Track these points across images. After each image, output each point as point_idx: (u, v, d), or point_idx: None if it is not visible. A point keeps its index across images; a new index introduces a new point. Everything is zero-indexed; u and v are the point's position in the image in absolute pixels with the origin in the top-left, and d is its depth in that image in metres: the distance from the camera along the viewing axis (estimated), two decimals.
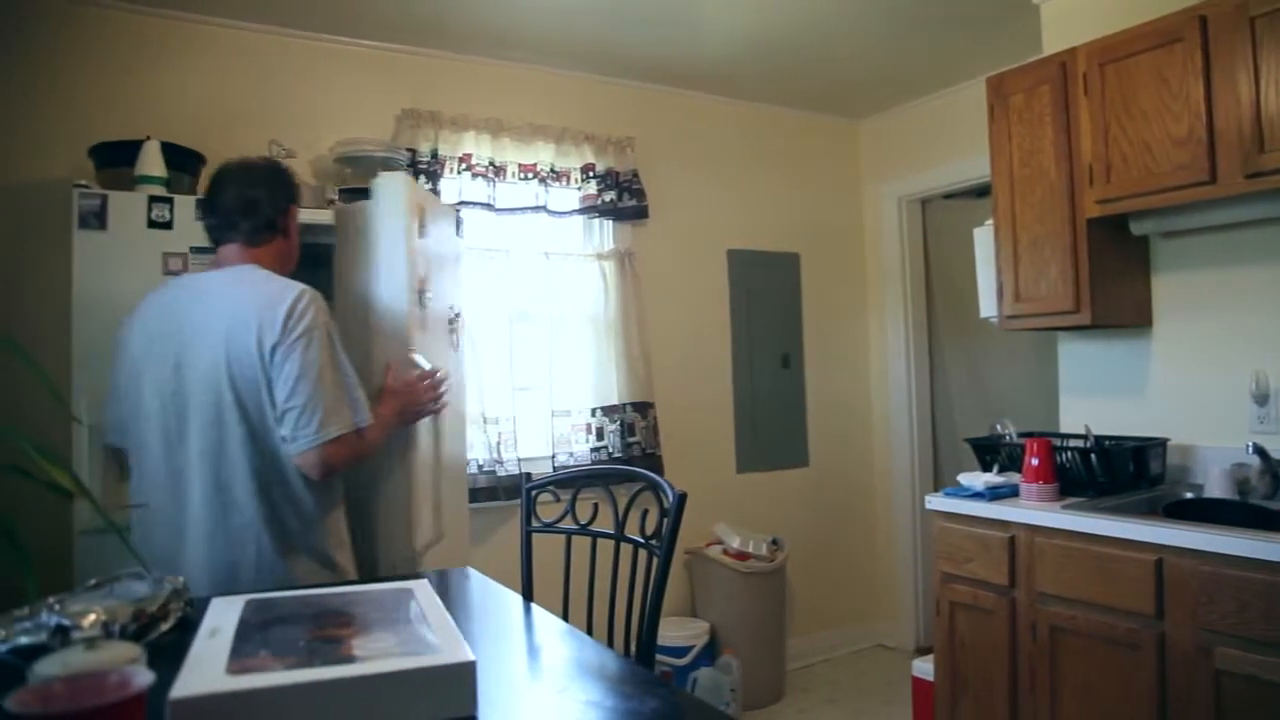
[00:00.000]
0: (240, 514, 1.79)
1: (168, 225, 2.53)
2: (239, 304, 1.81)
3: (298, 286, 1.86)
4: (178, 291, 1.91)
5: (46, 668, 0.91)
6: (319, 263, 2.79)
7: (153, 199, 2.53)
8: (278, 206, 1.97)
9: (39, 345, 2.48)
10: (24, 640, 1.18)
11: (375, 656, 1.05)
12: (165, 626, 1.36)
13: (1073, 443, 2.74)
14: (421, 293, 2.34)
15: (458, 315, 2.73)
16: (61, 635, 1.20)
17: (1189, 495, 2.57)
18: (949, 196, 4.48)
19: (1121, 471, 2.60)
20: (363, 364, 2.15)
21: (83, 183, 2.50)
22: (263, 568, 1.80)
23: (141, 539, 1.84)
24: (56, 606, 1.26)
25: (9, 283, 2.79)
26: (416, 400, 2.17)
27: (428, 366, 2.23)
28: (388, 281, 2.30)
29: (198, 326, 1.82)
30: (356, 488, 2.43)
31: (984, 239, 3.06)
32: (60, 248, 2.49)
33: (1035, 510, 2.46)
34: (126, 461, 1.96)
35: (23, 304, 2.78)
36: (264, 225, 1.94)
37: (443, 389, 2.26)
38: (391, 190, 2.33)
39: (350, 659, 1.05)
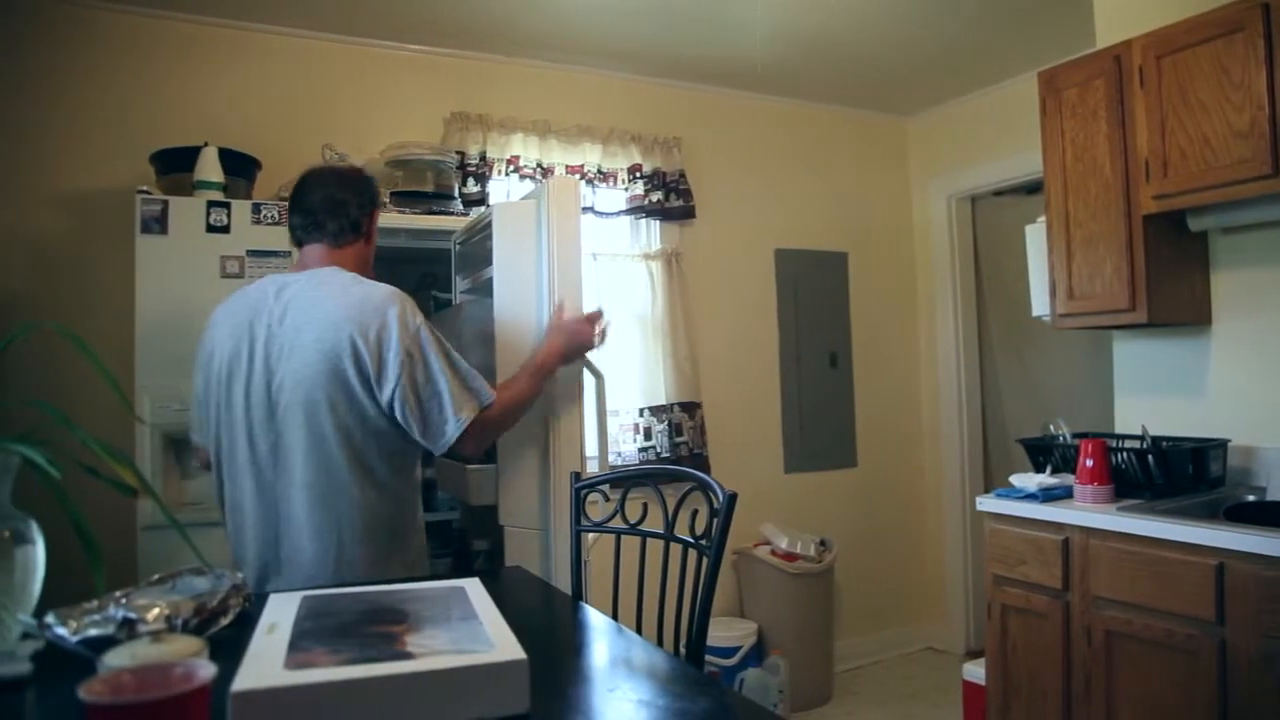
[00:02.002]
0: (331, 508, 1.82)
1: (225, 229, 2.59)
2: (329, 307, 1.83)
3: (386, 289, 1.88)
4: (264, 292, 1.91)
5: (116, 659, 0.94)
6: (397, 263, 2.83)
7: (211, 204, 2.59)
8: (363, 209, 2.00)
9: (103, 347, 2.52)
10: (93, 632, 1.22)
11: (429, 653, 1.07)
12: (225, 621, 1.39)
13: (1128, 443, 2.69)
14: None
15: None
16: (128, 628, 1.23)
17: (1251, 498, 2.51)
18: (999, 194, 4.41)
19: (1180, 473, 2.54)
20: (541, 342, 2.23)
21: (145, 189, 2.57)
22: (348, 562, 1.83)
23: (235, 536, 1.88)
24: (123, 600, 1.30)
25: (76, 286, 2.88)
26: (585, 334, 2.25)
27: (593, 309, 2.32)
28: (563, 278, 2.35)
29: (287, 327, 1.83)
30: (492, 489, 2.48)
31: (1036, 236, 3.01)
32: (124, 252, 2.56)
33: (1090, 512, 2.41)
34: (191, 460, 2.00)
35: (89, 307, 2.87)
36: (349, 227, 1.97)
37: (606, 323, 2.33)
38: (563, 192, 2.38)
39: (404, 655, 1.06)
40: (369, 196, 2.03)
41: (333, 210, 1.95)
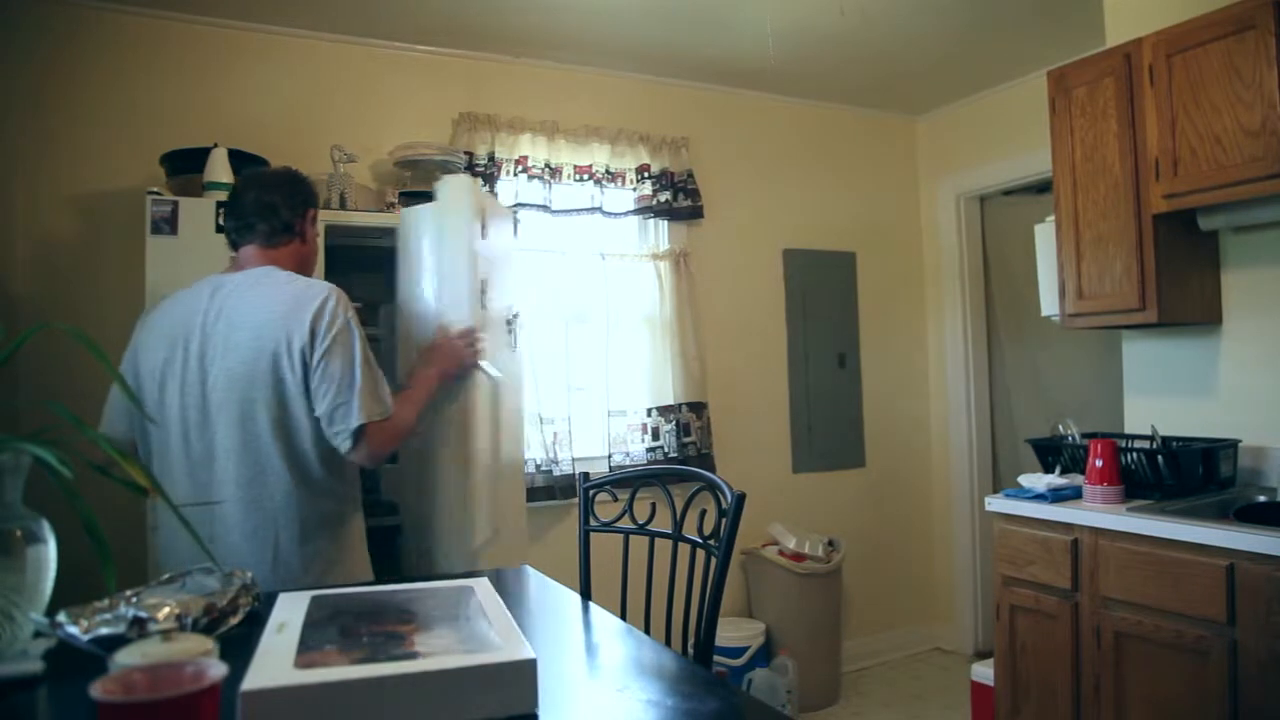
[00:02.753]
0: (265, 510, 1.82)
1: None
2: (263, 305, 1.84)
3: (322, 285, 1.89)
4: (198, 294, 1.92)
5: (127, 657, 0.95)
6: (378, 265, 2.85)
7: (220, 204, 2.59)
8: (295, 210, 2.00)
9: (114, 347, 2.54)
10: (104, 631, 1.23)
11: (437, 653, 1.07)
12: (234, 620, 1.40)
13: (1138, 444, 2.68)
14: (483, 294, 2.37)
15: (516, 315, 2.76)
16: (139, 627, 1.24)
17: (1262, 499, 2.50)
18: (1008, 193, 4.39)
19: (1190, 474, 2.53)
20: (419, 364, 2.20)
21: (155, 190, 2.58)
22: (284, 564, 1.82)
23: (169, 535, 1.88)
24: (134, 599, 1.31)
25: (87, 287, 2.89)
26: (459, 355, 2.24)
27: (462, 327, 2.30)
28: (451, 283, 2.33)
29: (222, 326, 1.84)
30: (415, 490, 2.47)
31: (1045, 236, 3.00)
32: (134, 253, 2.57)
33: (1100, 513, 2.41)
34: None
35: (99, 308, 2.88)
36: (281, 228, 1.98)
37: (477, 340, 2.30)
38: (456, 192, 2.37)
39: (413, 655, 1.07)
40: (301, 198, 2.03)
41: (262, 212, 1.96)
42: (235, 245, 2.01)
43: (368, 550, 2.07)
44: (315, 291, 1.87)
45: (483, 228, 2.41)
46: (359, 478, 2.04)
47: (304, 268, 2.03)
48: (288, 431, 1.82)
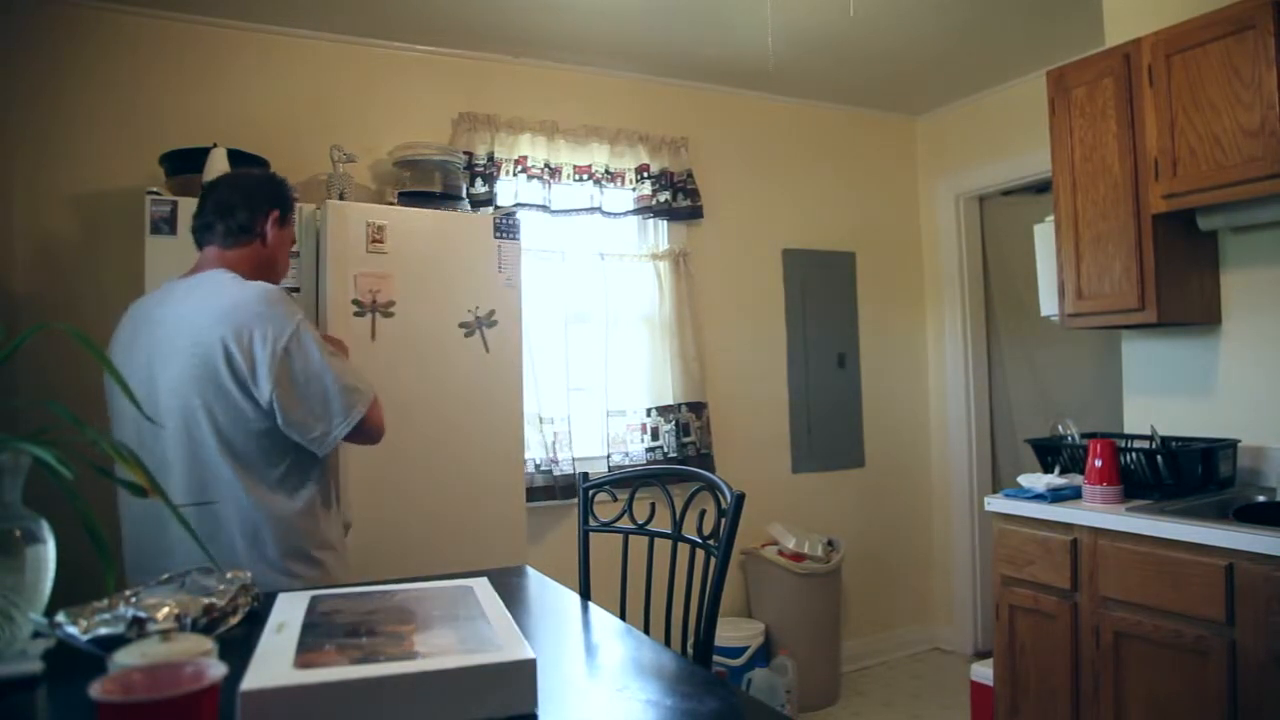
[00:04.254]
0: (215, 518, 1.78)
1: None
2: (202, 310, 1.79)
3: (262, 287, 1.83)
4: (151, 300, 1.92)
5: (126, 657, 0.95)
6: None
7: None
8: (254, 211, 1.95)
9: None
10: (103, 631, 1.23)
11: (436, 653, 1.07)
12: (233, 621, 1.40)
13: (1138, 444, 2.68)
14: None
15: (479, 317, 2.80)
16: (138, 627, 1.24)
17: (1261, 499, 2.50)
18: (1008, 193, 4.40)
19: (1189, 474, 2.53)
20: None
21: (154, 190, 2.58)
22: (243, 568, 1.75)
23: (133, 542, 1.85)
24: (133, 599, 1.31)
25: (86, 287, 2.89)
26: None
27: None
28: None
29: (164, 334, 1.81)
30: None
31: (1044, 236, 3.00)
32: (133, 253, 2.57)
33: (1099, 513, 2.41)
34: None
35: (99, 308, 2.87)
36: (237, 229, 1.92)
37: None
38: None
39: (412, 655, 1.07)
40: (264, 198, 1.97)
41: (220, 212, 1.92)
42: (199, 245, 1.97)
43: (341, 530, 2.03)
44: (254, 297, 1.80)
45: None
46: (316, 462, 1.94)
47: (264, 271, 1.97)
48: (231, 439, 1.78)
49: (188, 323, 1.79)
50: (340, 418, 1.82)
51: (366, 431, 1.88)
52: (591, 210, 3.70)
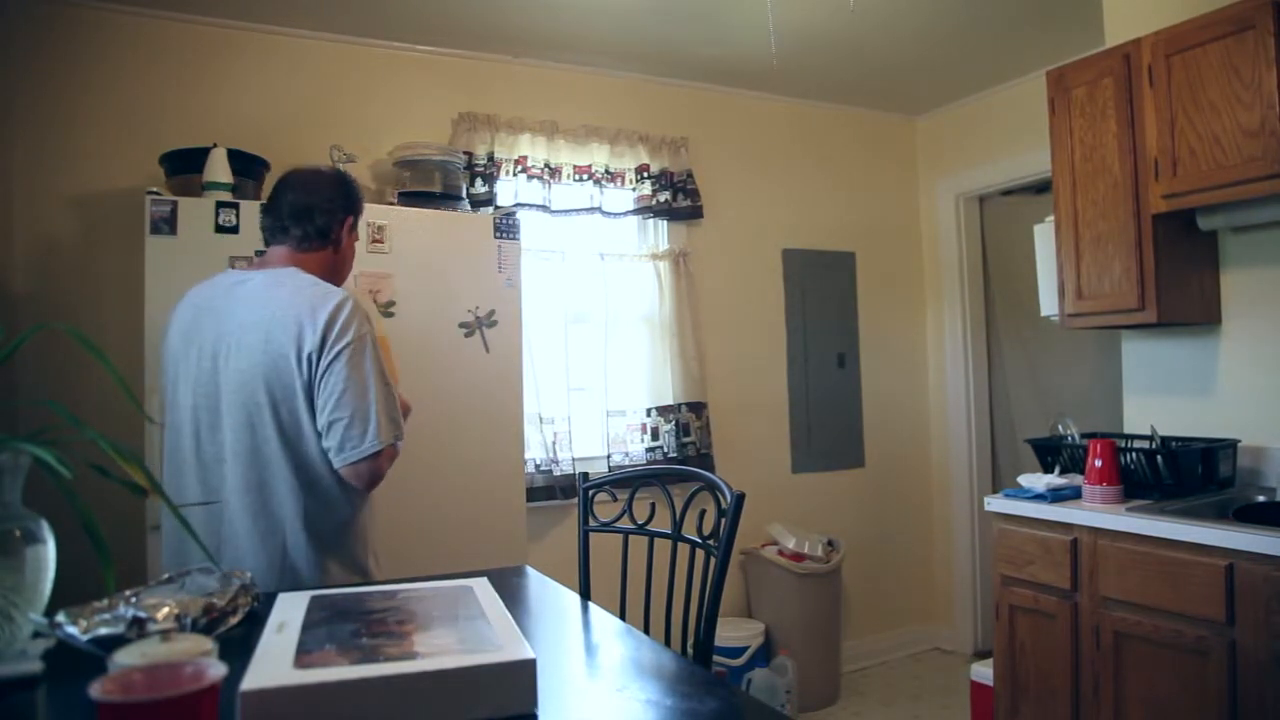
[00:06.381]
0: (273, 515, 1.77)
1: (234, 230, 2.59)
2: (280, 307, 1.76)
3: (339, 293, 1.81)
4: (217, 288, 1.87)
5: (126, 657, 0.95)
6: None
7: (219, 204, 2.60)
8: (332, 216, 1.92)
9: (113, 347, 2.53)
10: (103, 631, 1.22)
11: (436, 653, 1.07)
12: (234, 621, 1.40)
13: (1138, 444, 2.68)
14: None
15: (479, 317, 2.79)
16: (138, 627, 1.24)
17: (1261, 499, 2.50)
18: (1007, 193, 4.40)
19: (1189, 474, 2.53)
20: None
21: (154, 190, 2.58)
22: (291, 569, 1.77)
23: (175, 536, 1.84)
24: (133, 599, 1.31)
25: (86, 287, 2.89)
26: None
27: None
28: None
29: (235, 325, 1.78)
30: None
31: (1044, 236, 3.00)
32: (133, 253, 2.57)
33: (1099, 513, 2.41)
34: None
35: (99, 308, 2.88)
36: (314, 233, 1.90)
37: None
38: None
39: (412, 655, 1.07)
40: (342, 203, 1.94)
41: (298, 216, 1.88)
42: (266, 243, 1.94)
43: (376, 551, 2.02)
44: (332, 297, 1.78)
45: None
46: None
47: (332, 275, 1.94)
48: (294, 438, 1.76)
49: (263, 317, 1.76)
50: (363, 440, 1.75)
51: (370, 470, 1.79)
52: (591, 210, 3.70)
